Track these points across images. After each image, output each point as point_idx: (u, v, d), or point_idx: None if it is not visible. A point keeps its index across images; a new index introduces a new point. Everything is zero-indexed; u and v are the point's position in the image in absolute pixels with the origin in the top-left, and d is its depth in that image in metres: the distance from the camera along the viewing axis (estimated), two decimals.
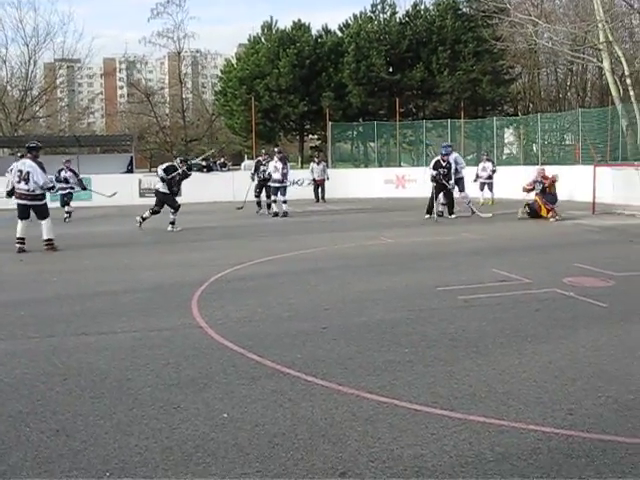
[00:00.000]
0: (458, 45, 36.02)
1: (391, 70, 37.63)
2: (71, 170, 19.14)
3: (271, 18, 42.26)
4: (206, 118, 51.42)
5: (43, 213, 12.03)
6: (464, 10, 38.06)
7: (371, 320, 6.14)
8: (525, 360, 4.87)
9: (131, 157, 31.71)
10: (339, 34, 41.54)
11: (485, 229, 14.06)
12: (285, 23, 43.01)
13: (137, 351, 5.27)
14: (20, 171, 11.81)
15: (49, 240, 11.96)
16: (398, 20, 39.47)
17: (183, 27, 46.44)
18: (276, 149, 18.92)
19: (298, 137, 44.67)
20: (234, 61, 45.29)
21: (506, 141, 32.85)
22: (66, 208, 18.41)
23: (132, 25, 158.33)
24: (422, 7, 39.61)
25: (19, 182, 11.83)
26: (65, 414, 4.03)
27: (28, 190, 11.80)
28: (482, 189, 20.76)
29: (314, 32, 41.88)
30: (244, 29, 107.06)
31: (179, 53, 48.39)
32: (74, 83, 62.01)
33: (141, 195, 25.37)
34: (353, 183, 26.03)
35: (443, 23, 36.69)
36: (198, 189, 22.68)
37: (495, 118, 30.67)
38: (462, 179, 17.43)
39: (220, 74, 48.82)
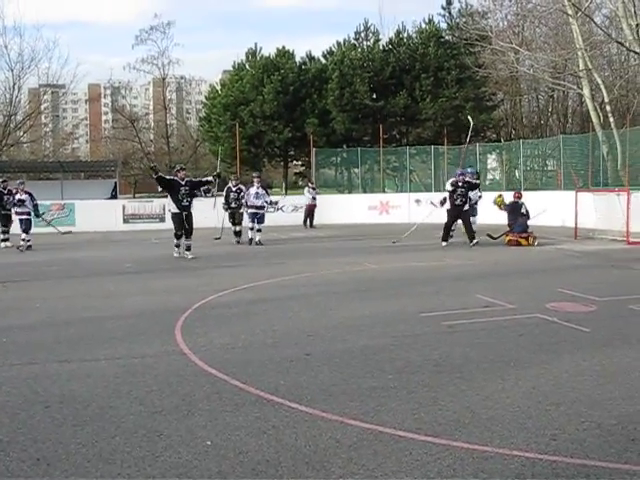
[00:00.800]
0: (441, 72, 36.41)
1: (375, 97, 37.96)
2: (27, 193, 18.17)
3: (255, 45, 42.58)
4: (190, 144, 51.51)
5: None
6: (447, 38, 38.51)
7: (355, 346, 6.14)
8: (509, 385, 4.89)
9: (115, 183, 31.69)
10: (323, 61, 41.89)
11: (469, 255, 14.14)
12: (269, 50, 43.21)
13: (120, 378, 5.23)
14: None
15: None
16: (381, 47, 39.90)
17: (167, 53, 46.51)
18: (254, 174, 18.55)
19: (282, 163, 44.82)
20: (218, 87, 45.50)
21: (489, 167, 33.13)
22: (23, 236, 17.19)
23: (117, 51, 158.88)
24: (405, 35, 40.10)
25: None
26: (46, 442, 3.98)
27: None
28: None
29: (298, 59, 42.22)
30: (228, 55, 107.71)
31: (164, 79, 48.56)
32: (58, 108, 62.07)
33: (125, 221, 25.32)
34: (337, 209, 26.13)
35: (426, 50, 37.10)
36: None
37: (478, 144, 30.94)
38: (475, 204, 17.56)
39: (204, 100, 49.01)
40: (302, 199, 25.47)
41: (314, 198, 24.60)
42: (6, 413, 4.50)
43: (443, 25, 39.37)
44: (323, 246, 17.11)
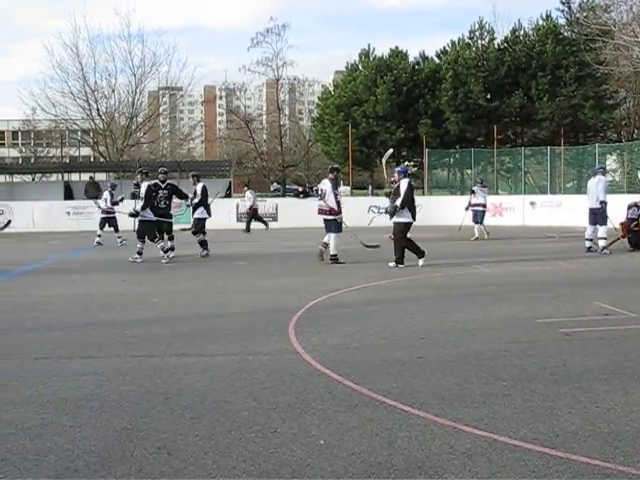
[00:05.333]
0: (559, 70, 35.35)
1: (489, 97, 37.31)
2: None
3: (368, 46, 42.71)
4: (303, 144, 52.18)
5: None
6: (565, 34, 37.35)
7: (468, 351, 6.04)
8: (632, 399, 4.66)
9: (230, 182, 32.43)
10: (436, 61, 41.54)
11: (585, 260, 13.64)
12: (382, 50, 43.23)
13: (235, 374, 5.37)
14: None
15: None
16: (496, 46, 39.13)
17: (282, 55, 47.28)
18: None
19: (394, 164, 44.68)
20: (331, 88, 45.87)
21: (608, 168, 31.84)
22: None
23: (232, 54, 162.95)
24: (521, 32, 39.20)
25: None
26: (166, 432, 4.13)
27: None
28: (474, 219, 19.82)
29: (411, 59, 42.09)
30: (340, 56, 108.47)
31: (277, 80, 49.38)
32: (176, 110, 64.11)
33: (239, 219, 25.94)
34: (449, 210, 25.76)
35: (543, 48, 36.11)
36: (294, 214, 23.02)
37: (597, 145, 29.78)
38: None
39: (317, 101, 49.55)
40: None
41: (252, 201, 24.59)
42: (129, 402, 4.70)
43: (561, 21, 38.30)
44: (434, 248, 16.92)
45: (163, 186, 14.63)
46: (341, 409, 4.49)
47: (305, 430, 4.13)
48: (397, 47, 42.35)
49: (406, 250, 12.61)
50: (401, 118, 39.19)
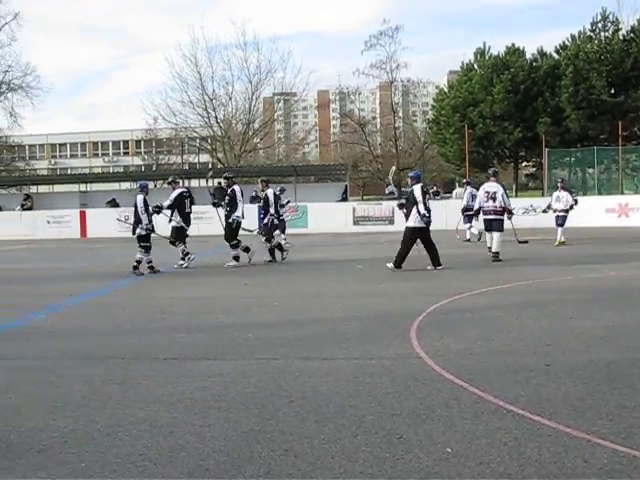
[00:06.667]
0: None
1: (613, 91, 35.80)
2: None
3: (484, 44, 42.00)
4: (418, 146, 51.82)
5: None
6: None
7: (598, 359, 5.77)
8: None
9: (345, 185, 32.61)
10: (555, 56, 40.25)
11: None
12: (498, 49, 42.38)
13: (358, 378, 5.36)
14: None
15: None
16: (621, 37, 37.44)
17: (395, 57, 47.03)
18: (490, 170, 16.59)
19: (512, 164, 43.67)
20: (446, 89, 45.36)
21: None
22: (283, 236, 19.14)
23: (345, 57, 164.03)
24: None
25: None
26: (292, 435, 4.18)
27: None
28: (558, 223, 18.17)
29: (529, 56, 41.06)
30: (454, 56, 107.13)
31: (391, 83, 49.21)
32: (290, 115, 65.21)
33: (355, 223, 26.03)
34: (571, 212, 24.77)
35: None
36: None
37: None
38: None
39: (432, 102, 49.09)
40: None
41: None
42: (255, 404, 4.79)
43: None
44: (557, 250, 16.39)
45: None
46: (467, 416, 4.40)
47: (431, 437, 4.07)
48: (513, 44, 41.43)
49: (403, 254, 12.77)
50: (519, 117, 38.25)
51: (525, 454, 3.77)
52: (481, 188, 15.01)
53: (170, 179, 15.54)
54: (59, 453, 4.00)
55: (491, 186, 14.55)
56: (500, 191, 14.36)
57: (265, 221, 15.42)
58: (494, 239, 14.34)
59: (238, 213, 14.29)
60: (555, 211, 18.08)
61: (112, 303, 9.96)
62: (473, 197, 19.48)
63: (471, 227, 19.79)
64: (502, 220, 14.37)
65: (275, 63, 47.28)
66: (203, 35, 74.44)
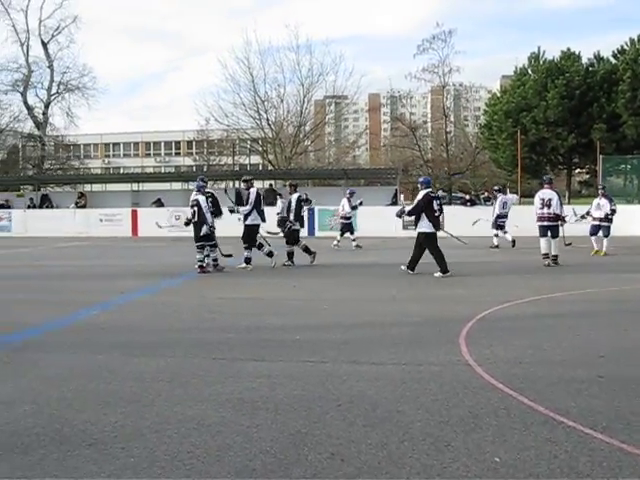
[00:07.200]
0: None
1: None
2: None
3: (538, 49, 41.45)
4: (469, 151, 51.26)
5: None
6: None
7: None
8: None
9: (396, 190, 32.45)
10: (613, 61, 39.43)
11: None
12: (553, 53, 41.72)
13: (406, 384, 5.33)
14: None
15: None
16: None
17: (448, 61, 46.65)
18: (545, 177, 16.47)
19: (566, 171, 42.94)
20: (499, 94, 44.85)
21: None
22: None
23: (396, 60, 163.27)
24: None
25: None
26: (339, 439, 4.17)
27: None
28: (594, 232, 17.42)
29: (585, 60, 40.29)
30: (506, 60, 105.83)
31: (444, 87, 48.83)
32: (341, 119, 65.24)
33: (404, 227, 25.87)
34: (628, 221, 24.18)
35: None
36: (460, 223, 22.66)
37: None
38: None
39: (484, 107, 48.60)
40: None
41: None
42: (302, 407, 4.80)
43: None
44: (616, 260, 16.02)
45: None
46: (516, 426, 4.34)
47: (479, 446, 4.03)
48: (569, 49, 40.76)
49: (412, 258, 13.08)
50: (573, 123, 37.60)
51: (577, 468, 3.70)
52: (536, 195, 15.20)
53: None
54: (109, 447, 4.07)
55: (545, 193, 14.73)
56: (555, 198, 14.60)
57: (295, 227, 15.43)
58: (552, 244, 14.52)
59: (254, 216, 14.41)
60: (594, 219, 17.58)
61: (162, 302, 10.10)
62: (504, 205, 19.75)
63: (506, 233, 20.11)
64: (557, 225, 14.64)
65: (327, 66, 47.49)
66: (256, 38, 74.34)
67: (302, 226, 15.56)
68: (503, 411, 4.64)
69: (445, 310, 8.86)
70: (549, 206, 14.50)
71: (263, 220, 14.68)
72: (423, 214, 12.84)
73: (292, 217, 15.28)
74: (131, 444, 4.12)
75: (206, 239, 13.87)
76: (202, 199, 13.84)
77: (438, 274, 12.58)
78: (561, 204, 14.78)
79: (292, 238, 15.32)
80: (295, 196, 15.51)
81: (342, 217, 21.12)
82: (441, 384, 5.31)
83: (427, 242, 12.88)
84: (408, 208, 13.48)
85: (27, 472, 3.76)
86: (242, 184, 15.44)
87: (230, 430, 4.33)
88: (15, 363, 6.26)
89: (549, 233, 14.53)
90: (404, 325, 7.86)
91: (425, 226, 12.88)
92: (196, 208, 13.82)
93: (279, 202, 26.13)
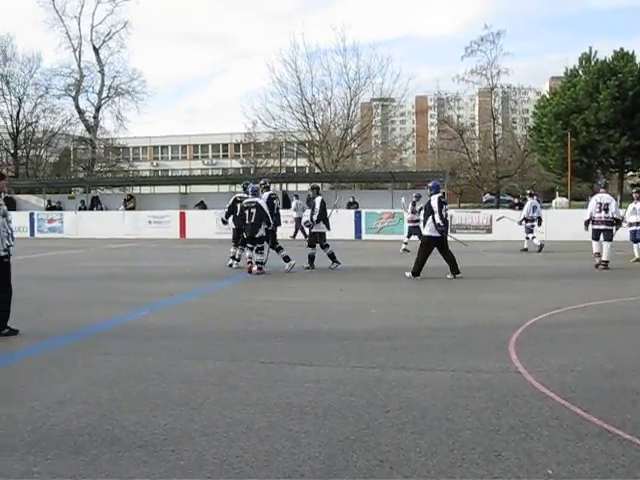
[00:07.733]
0: None
1: None
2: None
3: (590, 49, 40.72)
4: (518, 154, 50.64)
5: None
6: None
7: None
8: None
9: (443, 193, 32.20)
10: None
11: None
12: (605, 53, 40.93)
13: (455, 391, 5.28)
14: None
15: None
16: None
17: (496, 63, 46.17)
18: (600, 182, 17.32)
19: (617, 174, 42.09)
20: (548, 96, 44.20)
21: None
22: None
23: (443, 62, 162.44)
24: None
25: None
26: (388, 446, 4.15)
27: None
28: (632, 238, 16.34)
29: (638, 60, 39.39)
30: (555, 62, 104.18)
31: (492, 89, 48.36)
32: (388, 121, 65.05)
33: (451, 231, 25.62)
34: None
35: None
36: (509, 226, 22.39)
37: None
38: None
39: (534, 109, 47.97)
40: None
41: None
42: (351, 413, 4.78)
43: None
44: None
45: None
46: (569, 437, 4.25)
47: (530, 456, 3.96)
48: (622, 49, 39.97)
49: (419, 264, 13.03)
50: (626, 125, 36.85)
51: None
52: (593, 199, 15.38)
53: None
54: (159, 450, 4.12)
55: (603, 197, 14.97)
56: (613, 202, 14.91)
57: (320, 230, 15.28)
58: (604, 248, 14.60)
59: (270, 220, 14.54)
60: (631, 225, 16.33)
61: (210, 304, 10.18)
62: (534, 209, 19.68)
63: (534, 237, 20.06)
64: (612, 230, 14.79)
65: (374, 69, 47.46)
66: (303, 41, 75.43)
67: (329, 228, 15.54)
68: (555, 421, 4.55)
69: (494, 315, 8.75)
70: (607, 210, 14.66)
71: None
72: (430, 218, 12.97)
73: (315, 218, 15.30)
74: (180, 447, 4.15)
75: (260, 240, 14.03)
76: (262, 201, 14.15)
77: (408, 274, 12.98)
78: (618, 208, 15.02)
79: (312, 241, 15.34)
80: (319, 199, 15.55)
81: (409, 220, 21.04)
82: (491, 392, 5.24)
83: (425, 245, 13.14)
84: (437, 217, 12.98)
85: (81, 471, 3.83)
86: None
87: (278, 435, 4.34)
88: (67, 363, 6.38)
89: (602, 237, 14.62)
90: (453, 331, 7.78)
91: (431, 230, 13.03)
92: (254, 210, 13.98)
93: (294, 203, 26.37)
